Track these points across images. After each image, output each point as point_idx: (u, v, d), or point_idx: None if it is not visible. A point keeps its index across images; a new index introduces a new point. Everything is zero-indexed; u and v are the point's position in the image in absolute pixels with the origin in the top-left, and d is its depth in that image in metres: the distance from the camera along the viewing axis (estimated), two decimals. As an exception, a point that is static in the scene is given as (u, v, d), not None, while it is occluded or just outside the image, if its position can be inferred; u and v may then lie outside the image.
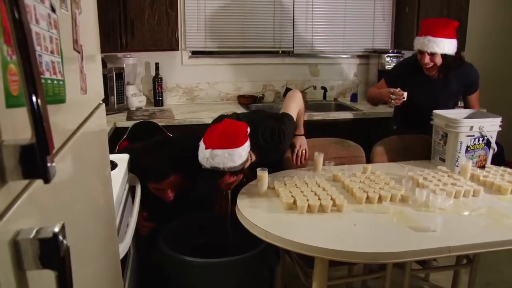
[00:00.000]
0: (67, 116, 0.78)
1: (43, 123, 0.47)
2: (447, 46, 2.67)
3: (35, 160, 0.47)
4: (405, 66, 3.03)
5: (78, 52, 0.90)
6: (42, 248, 0.51)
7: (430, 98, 2.84)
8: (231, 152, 2.04)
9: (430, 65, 2.75)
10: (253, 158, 2.25)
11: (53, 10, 0.71)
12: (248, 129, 2.17)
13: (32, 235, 0.51)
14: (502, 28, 4.40)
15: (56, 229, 0.52)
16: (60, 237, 0.52)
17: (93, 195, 1.03)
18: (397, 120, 3.15)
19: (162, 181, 2.30)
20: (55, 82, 0.69)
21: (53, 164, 0.49)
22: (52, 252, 0.51)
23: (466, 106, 3.00)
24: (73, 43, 0.86)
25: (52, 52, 0.68)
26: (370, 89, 3.23)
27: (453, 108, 3.00)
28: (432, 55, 2.70)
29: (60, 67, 0.72)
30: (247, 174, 2.35)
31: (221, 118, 2.34)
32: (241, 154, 2.08)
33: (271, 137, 2.30)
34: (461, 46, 3.80)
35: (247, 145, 2.13)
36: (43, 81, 0.62)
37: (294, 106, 2.48)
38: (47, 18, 0.67)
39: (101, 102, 1.19)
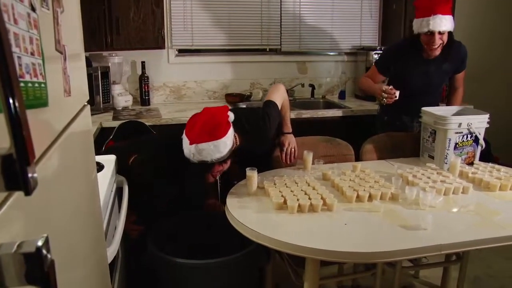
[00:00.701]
0: (50, 120, 0.75)
1: (23, 131, 0.44)
2: (452, 23, 2.68)
3: (14, 171, 0.44)
4: (396, 50, 2.98)
5: (61, 52, 0.87)
6: (25, 263, 0.48)
7: (425, 79, 2.84)
8: (217, 144, 2.02)
9: (438, 45, 2.70)
10: (238, 141, 2.23)
11: (33, 9, 0.67)
12: (230, 114, 2.15)
13: (13, 250, 0.48)
14: (487, 27, 4.42)
15: (40, 243, 0.49)
16: (44, 251, 0.49)
17: (79, 200, 1.00)
18: (388, 110, 3.09)
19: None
20: (36, 85, 0.66)
21: (35, 175, 0.46)
22: (36, 267, 0.48)
23: (452, 85, 3.03)
24: (55, 43, 0.82)
25: (32, 54, 0.65)
26: (362, 79, 3.15)
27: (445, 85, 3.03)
28: (441, 34, 2.67)
29: (41, 69, 0.69)
30: (236, 171, 2.33)
31: None
32: (226, 143, 2.07)
33: (255, 120, 2.30)
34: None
35: (230, 132, 2.11)
36: (22, 84, 0.59)
37: (278, 97, 2.47)
38: (27, 17, 0.64)
39: (86, 103, 1.16)
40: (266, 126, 2.33)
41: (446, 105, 3.08)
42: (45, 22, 0.76)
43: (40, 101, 0.68)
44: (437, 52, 2.75)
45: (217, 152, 2.03)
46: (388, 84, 2.91)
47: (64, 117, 0.89)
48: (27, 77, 0.62)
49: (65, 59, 0.90)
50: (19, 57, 0.59)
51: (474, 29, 4.32)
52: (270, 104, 2.38)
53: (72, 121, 0.96)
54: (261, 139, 2.39)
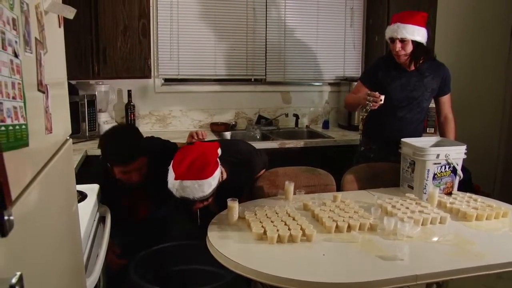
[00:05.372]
0: (30, 159, 0.79)
1: None
2: (416, 32, 2.75)
3: (-10, 214, 0.48)
4: (380, 62, 3.07)
5: (43, 92, 0.91)
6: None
7: (406, 89, 2.89)
8: (201, 184, 2.05)
9: (402, 53, 2.80)
10: (224, 176, 2.28)
11: (16, 55, 0.72)
12: (219, 151, 2.20)
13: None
14: (467, 58, 4.54)
15: (14, 280, 0.52)
16: (17, 288, 0.52)
17: (58, 233, 1.02)
18: (366, 139, 3.13)
19: (130, 163, 2.32)
20: (17, 127, 0.70)
21: (11, 217, 0.50)
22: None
23: (441, 111, 3.03)
24: (37, 84, 0.86)
25: (14, 98, 0.69)
26: (347, 95, 3.21)
27: (427, 107, 3.03)
28: (403, 42, 2.76)
29: (22, 111, 0.73)
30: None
31: None
32: (211, 184, 2.09)
33: (249, 152, 2.48)
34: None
35: (217, 173, 2.14)
36: (3, 128, 0.63)
37: None
38: (10, 64, 0.68)
39: (68, 138, 1.20)
40: (252, 162, 2.49)
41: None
42: (28, 66, 0.80)
43: (21, 142, 0.72)
44: (403, 60, 2.84)
45: (201, 191, 2.07)
46: None
47: (44, 154, 0.92)
48: (8, 121, 0.66)
49: (47, 98, 0.94)
50: (0, 103, 0.63)
51: (455, 60, 4.43)
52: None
53: (53, 156, 1.00)
54: (248, 173, 2.50)
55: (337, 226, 2.02)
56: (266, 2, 4.06)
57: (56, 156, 1.00)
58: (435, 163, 2.48)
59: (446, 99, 3.00)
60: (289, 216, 2.11)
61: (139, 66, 3.51)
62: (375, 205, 2.30)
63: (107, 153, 2.41)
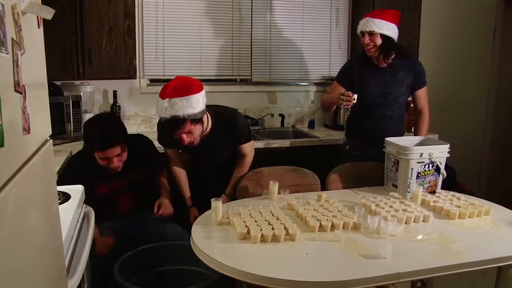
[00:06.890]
0: (6, 159, 0.78)
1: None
2: (385, 26, 2.81)
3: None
4: (354, 61, 3.16)
5: (20, 93, 0.91)
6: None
7: (381, 86, 2.94)
8: (189, 98, 2.17)
9: (371, 46, 2.85)
10: (210, 123, 2.43)
11: (-10, 56, 0.72)
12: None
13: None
14: (452, 58, 4.58)
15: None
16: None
17: (38, 234, 1.02)
18: (350, 138, 3.18)
19: (107, 148, 2.40)
20: (-9, 128, 0.70)
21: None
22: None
23: (416, 105, 3.09)
24: (14, 85, 0.86)
25: (-12, 99, 0.69)
26: (323, 96, 3.28)
27: (405, 101, 3.08)
28: (372, 35, 2.82)
29: (-3, 112, 0.73)
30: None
31: None
32: (199, 100, 2.23)
33: (233, 110, 2.62)
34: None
35: (203, 93, 2.27)
36: (-24, 129, 0.63)
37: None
38: (-17, 65, 0.68)
39: (48, 138, 1.19)
40: (237, 115, 2.62)
41: (414, 133, 3.15)
42: (4, 66, 0.80)
43: (-5, 143, 0.71)
44: (372, 53, 2.90)
45: (189, 107, 2.17)
46: None
47: (22, 155, 0.92)
48: (-18, 122, 0.66)
49: (25, 99, 0.94)
50: (-27, 104, 0.63)
51: (440, 60, 4.47)
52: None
53: (32, 157, 0.99)
54: (231, 123, 2.57)
55: (320, 225, 2.03)
56: (252, 2, 4.07)
57: (35, 157, 1.00)
58: (419, 162, 2.51)
59: (421, 93, 3.05)
60: (273, 215, 2.12)
61: (124, 66, 3.50)
62: (359, 204, 2.32)
63: (87, 140, 2.53)
